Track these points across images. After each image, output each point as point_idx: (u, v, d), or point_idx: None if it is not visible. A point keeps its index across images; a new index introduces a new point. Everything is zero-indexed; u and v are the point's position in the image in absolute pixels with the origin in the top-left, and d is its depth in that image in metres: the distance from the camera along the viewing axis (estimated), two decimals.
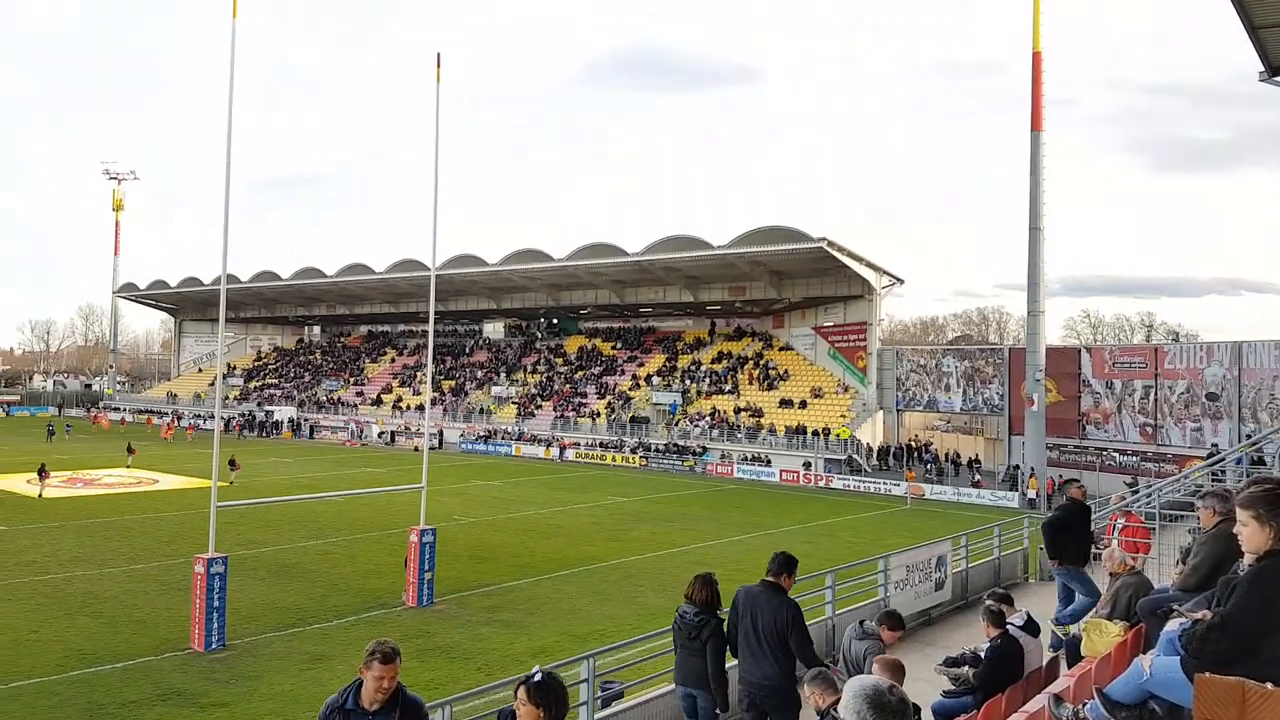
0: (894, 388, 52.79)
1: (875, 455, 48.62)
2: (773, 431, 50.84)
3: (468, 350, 77.54)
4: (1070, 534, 10.61)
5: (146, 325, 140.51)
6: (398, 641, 5.17)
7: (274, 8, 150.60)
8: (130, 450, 47.40)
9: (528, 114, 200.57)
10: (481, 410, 65.16)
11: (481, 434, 60.95)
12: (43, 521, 29.50)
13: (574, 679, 9.58)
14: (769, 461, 48.31)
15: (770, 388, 56.11)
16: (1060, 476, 42.77)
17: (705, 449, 51.33)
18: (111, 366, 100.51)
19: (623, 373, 64.35)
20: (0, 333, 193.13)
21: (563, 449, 55.33)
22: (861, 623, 8.07)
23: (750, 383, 57.43)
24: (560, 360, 69.78)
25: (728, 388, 57.50)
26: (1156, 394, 42.89)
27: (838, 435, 48.29)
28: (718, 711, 7.81)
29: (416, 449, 56.84)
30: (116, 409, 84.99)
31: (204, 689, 14.60)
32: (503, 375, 69.99)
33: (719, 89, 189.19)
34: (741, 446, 50.65)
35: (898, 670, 5.93)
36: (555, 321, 75.05)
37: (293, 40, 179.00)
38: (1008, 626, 7.57)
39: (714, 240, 52.50)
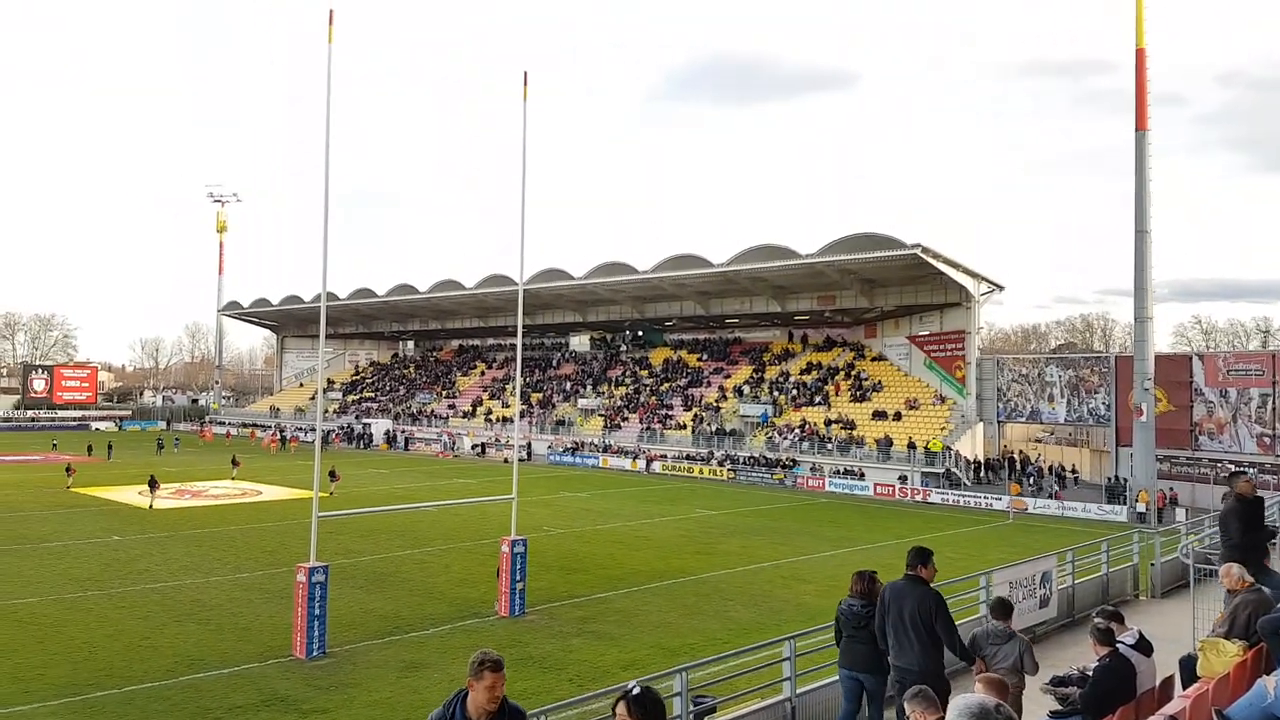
0: (994, 398, 51.19)
1: (974, 468, 47.19)
2: (863, 444, 49.82)
3: (555, 363, 78.50)
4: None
5: (250, 342, 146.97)
6: (494, 648, 5.18)
7: (368, 30, 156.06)
8: (235, 463, 49.40)
9: (612, 127, 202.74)
10: (568, 422, 65.81)
11: (569, 446, 61.51)
12: (154, 531, 30.91)
13: (666, 692, 9.65)
14: (862, 475, 47.39)
15: (863, 399, 55.10)
16: (1171, 490, 40.82)
17: (795, 462, 50.66)
18: (217, 382, 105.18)
19: (709, 384, 64.13)
20: (113, 350, 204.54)
21: (649, 461, 55.38)
22: (998, 624, 8.19)
23: (841, 394, 56.50)
24: (646, 372, 69.98)
25: (818, 399, 56.67)
26: (1275, 403, 40.56)
27: (929, 448, 47.07)
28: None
29: (506, 460, 57.71)
30: (222, 423, 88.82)
31: (305, 695, 15.01)
32: (589, 387, 70.59)
33: (804, 97, 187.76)
34: (833, 459, 49.82)
35: (1002, 688, 5.74)
36: (640, 334, 75.37)
37: (386, 59, 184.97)
38: (1118, 645, 7.27)
39: (802, 249, 51.92)
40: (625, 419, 63.19)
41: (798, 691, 10.26)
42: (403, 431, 72.58)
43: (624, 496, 43.10)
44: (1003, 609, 8.31)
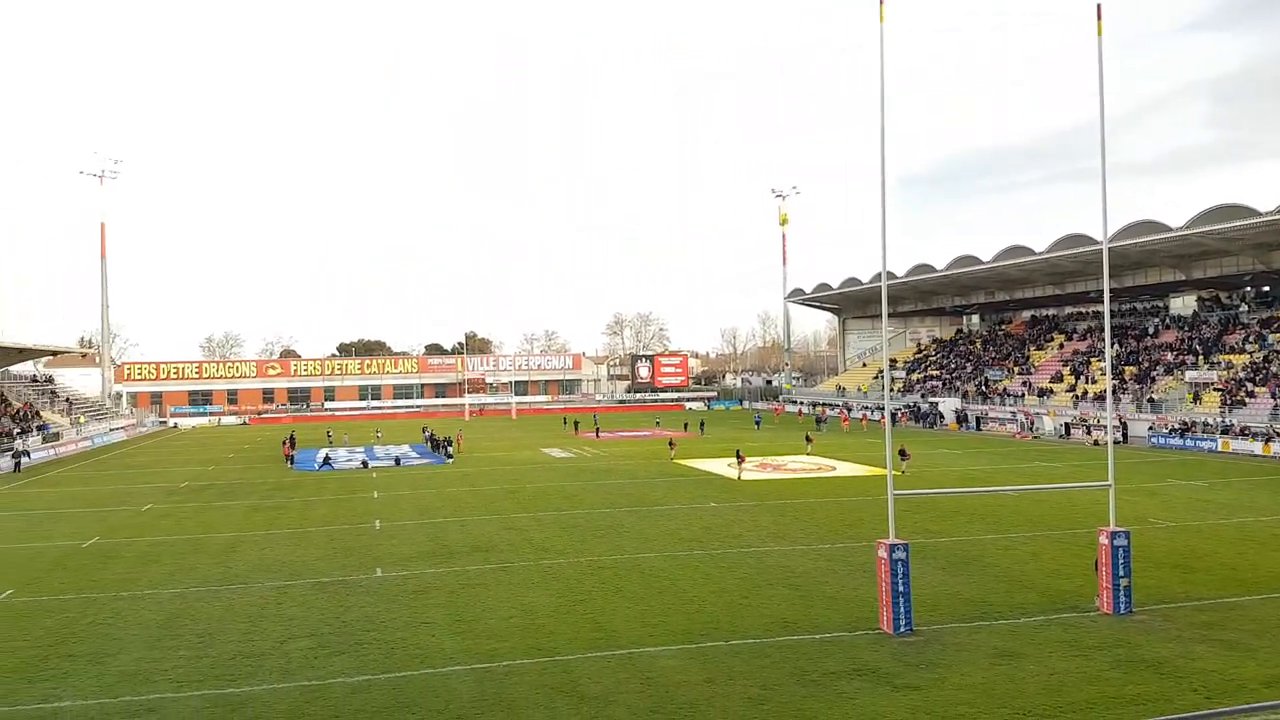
0: None
1: None
2: None
3: (1151, 330, 68.74)
4: None
5: (814, 325, 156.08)
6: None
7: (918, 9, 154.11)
8: (809, 439, 52.18)
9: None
10: (1172, 399, 56.94)
11: (1175, 426, 53.17)
12: (742, 500, 33.71)
13: None
14: None
15: None
16: None
17: None
18: (786, 364, 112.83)
19: None
20: (699, 339, 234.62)
21: None
22: None
23: None
24: (1278, 336, 57.55)
25: None
26: None
27: None
28: None
29: (1096, 443, 52.12)
30: (794, 402, 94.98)
31: (895, 670, 14.77)
32: (1199, 357, 60.30)
33: None
34: None
35: None
36: (1267, 289, 62.32)
37: (925, 34, 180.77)
38: None
39: None
40: (1252, 394, 52.65)
41: None
42: (971, 410, 69.81)
43: (1253, 486, 35.84)
44: None
